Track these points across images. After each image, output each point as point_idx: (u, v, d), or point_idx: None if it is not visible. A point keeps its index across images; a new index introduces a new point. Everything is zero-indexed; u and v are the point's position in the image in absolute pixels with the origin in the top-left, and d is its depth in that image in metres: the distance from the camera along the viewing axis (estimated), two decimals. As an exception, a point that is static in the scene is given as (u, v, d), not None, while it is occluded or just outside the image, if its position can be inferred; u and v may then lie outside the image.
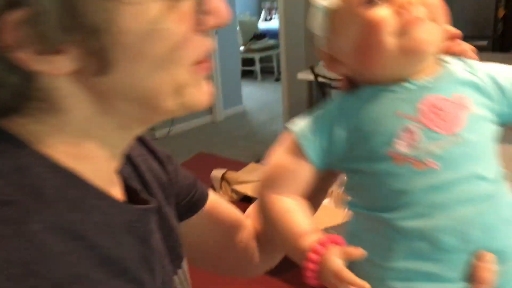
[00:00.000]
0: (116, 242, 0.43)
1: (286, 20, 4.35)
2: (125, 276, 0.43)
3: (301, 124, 0.57)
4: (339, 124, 0.55)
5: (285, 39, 4.40)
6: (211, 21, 0.43)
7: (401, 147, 0.51)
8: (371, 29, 0.51)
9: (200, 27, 0.42)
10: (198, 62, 0.44)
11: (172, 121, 4.83)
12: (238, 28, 5.77)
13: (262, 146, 4.50)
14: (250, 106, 5.67)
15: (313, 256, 0.50)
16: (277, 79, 7.02)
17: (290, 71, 4.44)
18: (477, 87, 0.54)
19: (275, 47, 7.17)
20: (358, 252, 0.49)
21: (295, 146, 0.56)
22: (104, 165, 0.46)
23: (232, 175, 1.41)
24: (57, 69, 0.38)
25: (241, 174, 1.41)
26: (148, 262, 0.48)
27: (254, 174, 1.36)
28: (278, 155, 0.58)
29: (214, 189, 1.42)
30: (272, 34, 7.53)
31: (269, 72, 7.34)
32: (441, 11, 0.53)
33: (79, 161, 0.43)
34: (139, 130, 0.48)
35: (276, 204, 0.56)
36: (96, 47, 0.38)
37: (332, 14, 0.55)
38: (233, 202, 1.37)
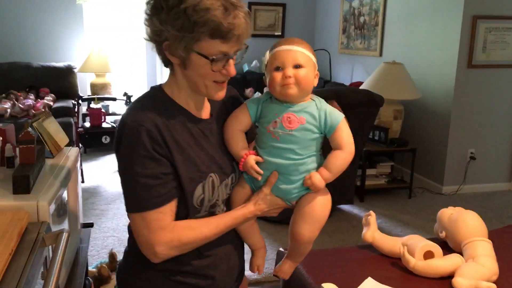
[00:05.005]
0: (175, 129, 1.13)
1: None
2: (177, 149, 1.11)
3: (251, 100, 1.26)
4: (260, 105, 1.23)
5: None
6: (223, 74, 1.12)
7: (270, 126, 1.18)
8: (273, 79, 1.18)
9: (220, 73, 1.11)
10: (216, 82, 1.11)
11: (464, 179, 4.58)
12: None
13: None
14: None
15: (243, 157, 1.18)
16: None
17: None
18: (313, 116, 1.17)
19: None
20: (260, 158, 1.19)
21: (244, 107, 1.24)
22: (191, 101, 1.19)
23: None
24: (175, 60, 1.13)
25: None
26: (190, 146, 1.13)
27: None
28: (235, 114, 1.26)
29: None
30: None
31: None
32: (305, 80, 1.16)
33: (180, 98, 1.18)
34: (199, 95, 1.17)
35: (231, 132, 1.22)
36: (185, 61, 1.10)
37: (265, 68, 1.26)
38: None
